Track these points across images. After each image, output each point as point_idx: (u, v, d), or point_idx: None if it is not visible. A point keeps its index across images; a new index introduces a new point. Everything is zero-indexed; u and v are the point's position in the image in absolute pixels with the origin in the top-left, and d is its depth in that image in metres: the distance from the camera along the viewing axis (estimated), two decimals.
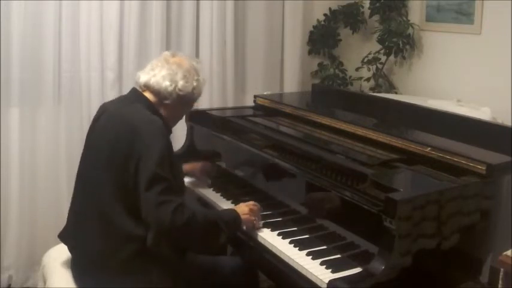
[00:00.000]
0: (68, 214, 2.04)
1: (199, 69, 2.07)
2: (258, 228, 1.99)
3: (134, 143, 1.80)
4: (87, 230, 1.90)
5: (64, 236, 2.03)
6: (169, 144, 1.87)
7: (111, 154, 1.85)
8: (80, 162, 2.03)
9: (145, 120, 1.88)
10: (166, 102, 1.98)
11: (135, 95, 2.01)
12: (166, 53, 2.07)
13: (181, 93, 1.97)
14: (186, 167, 2.40)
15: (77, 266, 1.99)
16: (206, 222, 1.85)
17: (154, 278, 1.84)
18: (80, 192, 1.99)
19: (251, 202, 2.04)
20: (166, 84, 1.96)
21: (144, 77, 2.00)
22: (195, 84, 2.01)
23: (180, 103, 2.01)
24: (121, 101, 2.07)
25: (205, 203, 2.30)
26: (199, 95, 2.07)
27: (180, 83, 1.97)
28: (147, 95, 1.99)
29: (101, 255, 1.85)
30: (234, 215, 1.96)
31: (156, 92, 1.98)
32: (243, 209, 2.00)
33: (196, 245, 1.91)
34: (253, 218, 1.99)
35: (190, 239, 1.83)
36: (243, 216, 1.97)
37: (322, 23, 3.63)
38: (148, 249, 1.80)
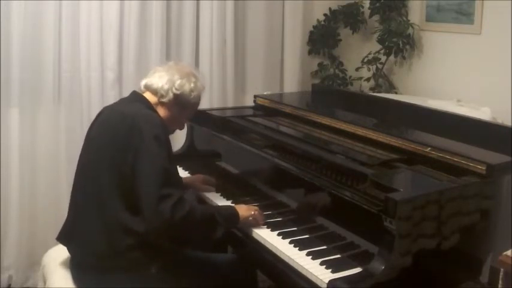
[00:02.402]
0: (68, 213, 2.05)
1: (199, 76, 2.12)
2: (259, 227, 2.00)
3: (132, 135, 1.84)
4: (86, 225, 1.92)
5: (63, 237, 2.03)
6: (167, 139, 1.92)
7: (110, 147, 1.89)
8: (79, 159, 2.05)
9: (144, 113, 1.94)
10: (163, 100, 2.03)
11: (135, 96, 2.08)
12: (170, 62, 2.16)
13: (177, 92, 2.02)
14: (187, 180, 2.39)
15: (76, 265, 1.99)
16: (204, 215, 1.90)
17: (154, 273, 1.86)
18: (79, 188, 2.01)
19: (254, 207, 2.05)
20: (163, 82, 2.02)
21: (145, 80, 2.08)
22: (192, 85, 2.05)
23: (177, 104, 2.05)
24: (121, 101, 2.12)
25: (205, 203, 2.30)
26: (196, 99, 2.09)
27: (177, 82, 2.03)
28: (147, 95, 2.05)
29: (100, 250, 1.87)
30: (232, 211, 1.99)
31: (154, 91, 2.04)
32: (244, 208, 2.02)
33: (194, 236, 1.96)
34: (251, 213, 2.00)
35: (188, 231, 1.88)
36: (242, 214, 1.98)
37: (322, 23, 3.63)
38: (147, 243, 1.83)
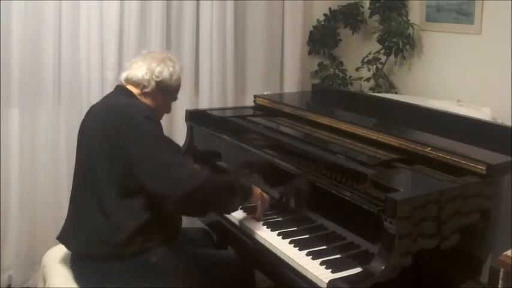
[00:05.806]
0: (68, 210, 2.07)
1: (175, 59, 2.15)
2: (259, 219, 2.05)
3: (123, 124, 1.88)
4: (86, 218, 1.94)
5: (63, 233, 2.04)
6: (158, 121, 1.97)
7: (103, 140, 1.92)
8: (76, 157, 2.08)
9: (131, 102, 2.00)
10: (146, 90, 2.07)
11: (119, 89, 2.12)
12: (143, 51, 2.20)
13: (158, 79, 2.06)
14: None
15: (76, 259, 2.01)
16: (222, 182, 1.94)
17: (154, 261, 1.89)
18: (77, 184, 2.04)
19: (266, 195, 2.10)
20: (142, 73, 2.06)
21: (124, 73, 2.11)
22: (171, 69, 2.09)
23: (160, 91, 2.09)
24: (108, 96, 2.17)
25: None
26: (177, 81, 2.14)
27: (157, 70, 2.07)
28: (130, 88, 2.09)
29: (101, 239, 1.89)
30: (248, 185, 2.04)
31: (136, 83, 2.07)
32: (258, 190, 2.07)
33: (212, 207, 1.99)
34: (263, 197, 2.06)
35: (208, 199, 1.89)
36: (256, 192, 2.04)
37: (322, 23, 3.63)
38: (147, 231, 1.87)
